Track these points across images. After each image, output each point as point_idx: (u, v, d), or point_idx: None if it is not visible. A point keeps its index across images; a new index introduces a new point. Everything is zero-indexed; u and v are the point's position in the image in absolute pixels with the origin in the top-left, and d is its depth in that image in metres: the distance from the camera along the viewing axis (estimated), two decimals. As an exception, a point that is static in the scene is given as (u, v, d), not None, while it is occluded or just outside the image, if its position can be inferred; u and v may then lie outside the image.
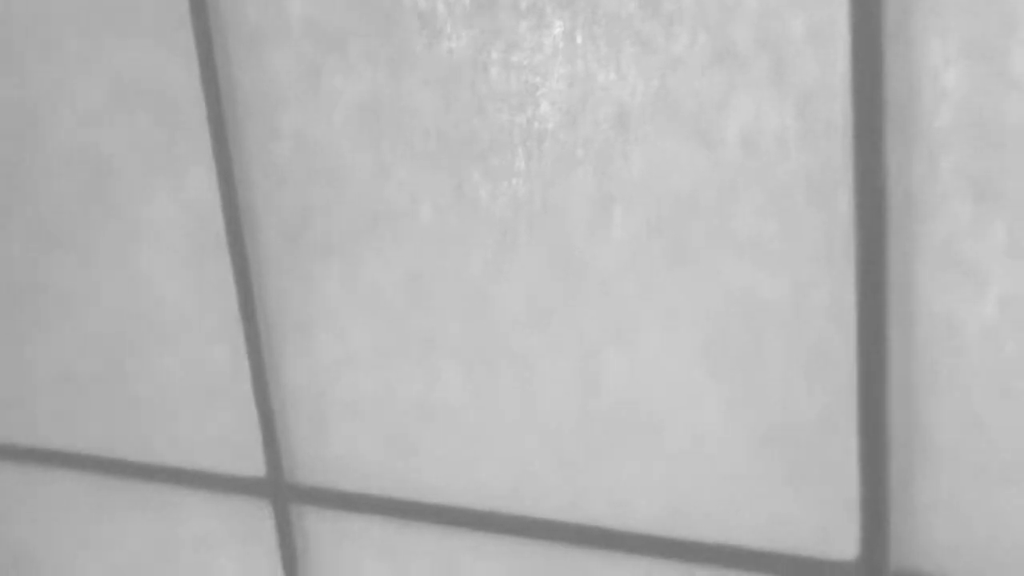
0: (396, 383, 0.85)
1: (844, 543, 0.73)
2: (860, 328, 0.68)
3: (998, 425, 0.66)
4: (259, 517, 0.98)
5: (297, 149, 0.82)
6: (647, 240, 0.72)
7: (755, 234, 0.69)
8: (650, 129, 0.70)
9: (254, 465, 0.96)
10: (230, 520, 0.99)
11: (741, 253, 0.70)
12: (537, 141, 0.74)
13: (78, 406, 1.01)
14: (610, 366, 0.76)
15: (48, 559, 1.10)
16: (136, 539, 1.04)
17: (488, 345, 0.80)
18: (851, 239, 0.66)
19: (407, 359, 0.84)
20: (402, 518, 0.90)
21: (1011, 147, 0.61)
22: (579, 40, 0.70)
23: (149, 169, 0.89)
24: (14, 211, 0.97)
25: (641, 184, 0.71)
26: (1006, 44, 0.60)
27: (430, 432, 0.86)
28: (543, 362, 0.79)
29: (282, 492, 0.96)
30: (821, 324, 0.69)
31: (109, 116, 0.89)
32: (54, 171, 0.94)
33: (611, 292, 0.75)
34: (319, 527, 0.95)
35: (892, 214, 0.65)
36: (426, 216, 0.79)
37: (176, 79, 0.85)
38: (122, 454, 1.01)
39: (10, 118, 0.94)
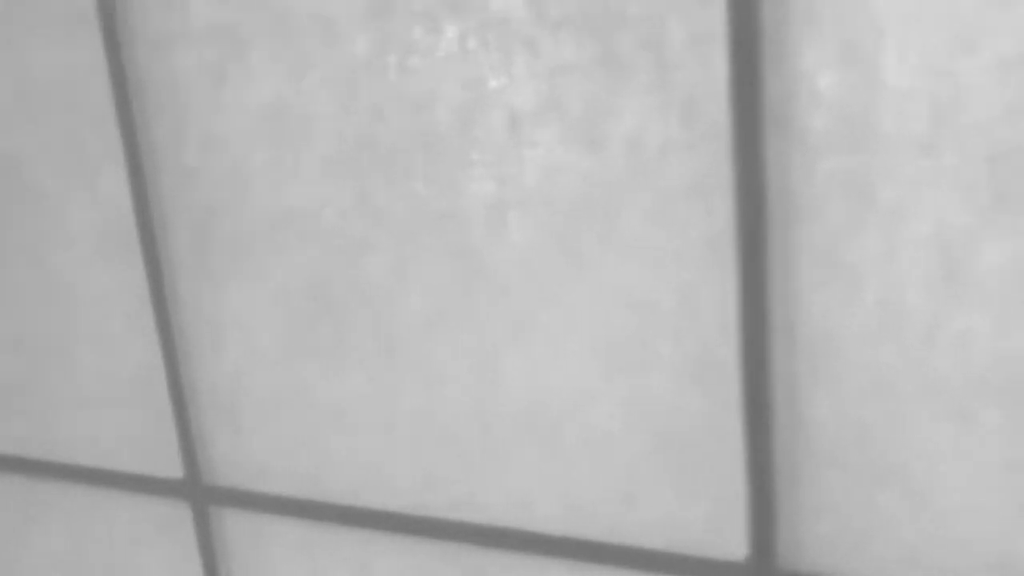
0: (305, 385, 0.86)
1: (734, 543, 0.74)
2: (742, 330, 0.69)
3: (876, 426, 0.67)
4: (179, 518, 0.98)
5: (204, 151, 0.83)
6: (541, 243, 0.73)
7: (642, 236, 0.70)
8: (541, 133, 0.71)
9: (172, 467, 0.96)
10: (151, 521, 0.99)
11: (629, 256, 0.71)
12: (434, 145, 0.74)
13: (-2, 407, 1.02)
14: (509, 368, 0.77)
15: (-27, 560, 1.10)
16: (58, 540, 1.04)
17: (391, 347, 0.81)
18: (733, 241, 0.67)
19: (315, 361, 0.85)
20: (314, 519, 0.90)
21: (883, 150, 0.62)
22: (471, 45, 0.71)
23: (62, 170, 0.90)
24: (-67, 212, 0.97)
25: (534, 188, 0.72)
26: (876, 50, 0.61)
27: (338, 434, 0.86)
28: (444, 364, 0.79)
29: (200, 493, 0.96)
30: (706, 326, 0.70)
31: (21, 117, 0.89)
32: (-31, 172, 0.94)
33: (508, 294, 0.75)
34: (237, 528, 0.95)
35: (772, 216, 0.66)
36: (330, 219, 0.80)
37: (86, 81, 0.86)
38: (44, 455, 1.02)
39: (-72, 119, 0.94)
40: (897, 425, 0.67)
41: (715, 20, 0.64)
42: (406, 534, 0.86)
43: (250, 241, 0.83)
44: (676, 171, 0.68)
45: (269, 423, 0.89)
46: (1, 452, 1.03)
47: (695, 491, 0.74)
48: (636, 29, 0.66)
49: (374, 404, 0.83)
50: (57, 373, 0.97)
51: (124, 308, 0.92)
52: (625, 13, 0.66)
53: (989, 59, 0.59)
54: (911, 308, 0.64)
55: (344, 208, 0.79)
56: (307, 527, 0.92)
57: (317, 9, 0.75)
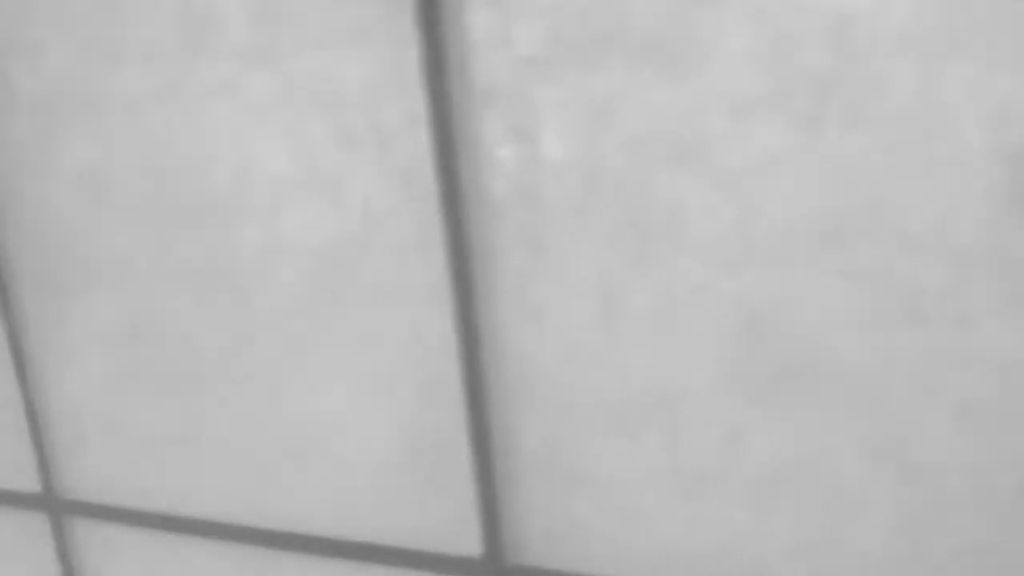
0: (132, 409, 0.99)
1: (471, 542, 0.87)
2: (462, 360, 0.82)
3: (568, 439, 0.80)
4: (38, 529, 1.11)
5: (40, 208, 0.96)
6: (304, 288, 0.86)
7: (379, 283, 0.83)
8: (298, 195, 0.84)
9: (31, 482, 1.09)
10: (12, 533, 1.12)
11: (371, 299, 0.84)
12: (218, 204, 0.88)
13: None
14: (286, 394, 0.90)
15: None
16: (-63, 550, 1.17)
17: (196, 376, 0.94)
18: (448, 299, 0.81)
19: (138, 388, 0.98)
20: (150, 527, 1.03)
21: (549, 210, 0.76)
22: (240, 122, 0.84)
23: (-75, 224, 1.03)
24: None
25: (295, 241, 0.85)
26: (538, 130, 0.74)
27: (161, 452, 0.99)
28: (236, 391, 0.92)
29: (57, 506, 1.09)
30: (434, 357, 0.83)
31: None
32: None
33: (283, 331, 0.89)
34: (89, 537, 1.08)
35: (476, 265, 0.79)
36: (140, 265, 0.93)
37: (-58, 148, 1.00)
38: (-77, 474, 1.15)
39: None
40: (582, 439, 0.80)
41: (419, 105, 0.78)
42: (225, 540, 0.99)
43: (81, 284, 0.97)
44: (401, 228, 0.81)
45: (108, 442, 1.02)
46: None
47: (437, 499, 0.87)
48: (363, 111, 0.80)
49: (186, 426, 0.96)
50: (-73, 400, 1.10)
51: (-18, 343, 1.05)
52: (356, 97, 0.80)
53: (621, 137, 0.72)
54: (582, 341, 0.78)
55: (151, 256, 0.92)
56: (145, 535, 1.05)
57: (119, 86, 0.89)
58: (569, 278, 0.77)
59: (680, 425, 0.76)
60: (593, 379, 0.78)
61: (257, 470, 0.94)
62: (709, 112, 0.70)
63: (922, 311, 0.68)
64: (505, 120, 0.75)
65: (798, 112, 0.68)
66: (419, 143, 0.79)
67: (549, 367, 0.79)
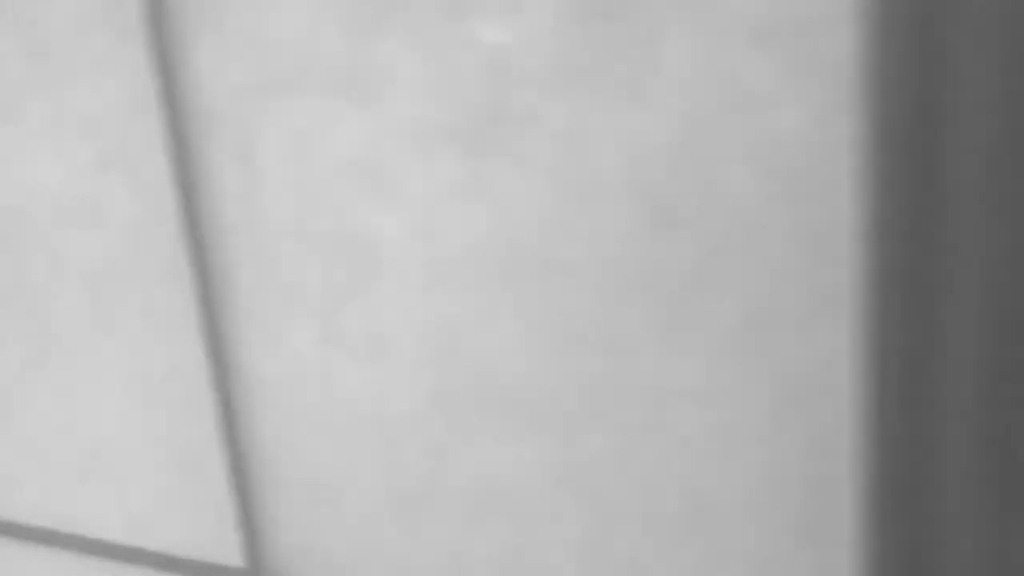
0: (-40, 418, 1.04)
1: (237, 554, 0.89)
2: (212, 380, 0.85)
3: (308, 458, 0.83)
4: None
5: None
6: (80, 307, 0.90)
7: (141, 303, 0.87)
8: (67, 219, 0.88)
9: None
10: None
11: (136, 318, 0.88)
12: (5, 226, 0.92)
13: None
14: (73, 408, 0.94)
15: None
16: None
17: (2, 390, 0.99)
18: (195, 319, 0.84)
19: (-38, 398, 1.03)
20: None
21: (273, 235, 0.79)
22: (20, 148, 0.89)
23: None
24: None
25: (69, 263, 0.89)
26: (257, 157, 0.77)
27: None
28: (36, 405, 0.97)
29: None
30: (189, 377, 0.86)
31: None
32: None
33: (66, 350, 0.93)
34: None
35: (217, 288, 0.82)
36: (-47, 282, 0.98)
37: None
38: None
39: None
40: (319, 457, 0.82)
41: (157, 131, 0.81)
42: (38, 544, 1.03)
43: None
44: (155, 251, 0.85)
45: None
46: None
47: (205, 512, 0.90)
48: (115, 138, 0.83)
49: (6, 439, 1.01)
50: None
51: None
52: (109, 124, 0.84)
53: (324, 163, 0.75)
54: (308, 363, 0.80)
55: (-40, 274, 0.97)
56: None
57: (-77, 115, 0.94)
58: (293, 301, 0.79)
59: (393, 444, 0.79)
60: (319, 399, 0.81)
61: (63, 482, 0.98)
62: (393, 141, 0.72)
63: (581, 338, 0.69)
64: (231, 146, 0.78)
65: (466, 144, 0.70)
66: (162, 169, 0.82)
67: (285, 387, 0.82)
